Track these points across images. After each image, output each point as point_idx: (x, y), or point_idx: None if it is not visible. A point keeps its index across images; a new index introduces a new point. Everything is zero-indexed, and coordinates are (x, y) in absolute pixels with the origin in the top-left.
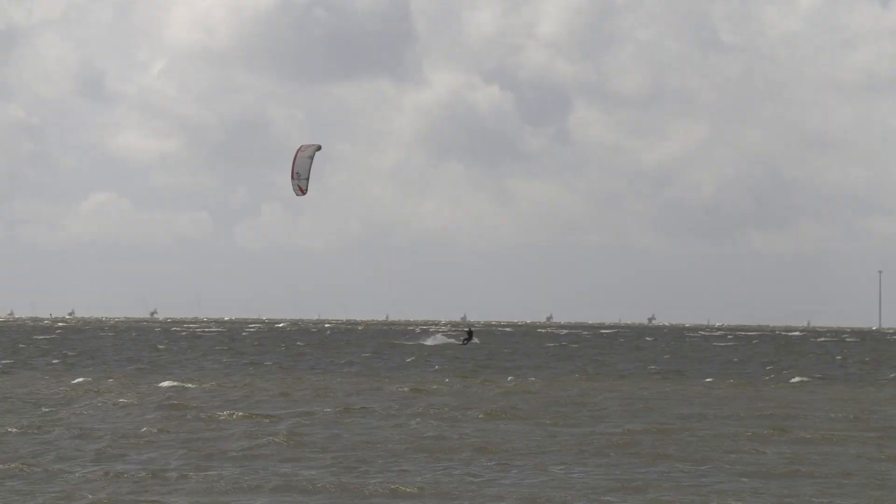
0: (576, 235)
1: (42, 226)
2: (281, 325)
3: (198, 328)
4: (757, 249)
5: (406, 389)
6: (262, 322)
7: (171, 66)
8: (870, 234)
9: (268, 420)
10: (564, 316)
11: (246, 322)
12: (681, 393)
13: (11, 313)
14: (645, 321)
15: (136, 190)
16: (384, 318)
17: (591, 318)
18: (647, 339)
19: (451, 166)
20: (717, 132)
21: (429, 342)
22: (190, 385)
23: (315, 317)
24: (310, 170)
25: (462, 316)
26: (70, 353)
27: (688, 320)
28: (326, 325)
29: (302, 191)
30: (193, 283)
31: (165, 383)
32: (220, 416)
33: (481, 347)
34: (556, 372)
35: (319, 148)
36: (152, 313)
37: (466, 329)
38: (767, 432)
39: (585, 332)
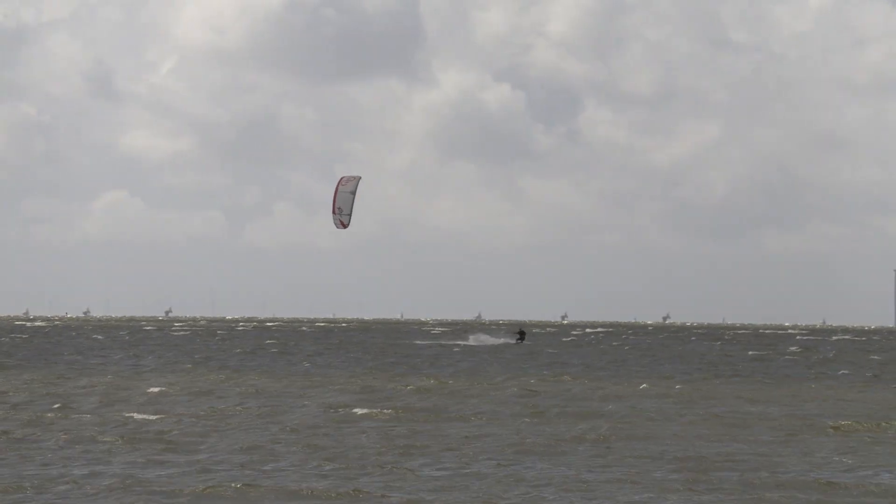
0: (589, 234)
1: (55, 224)
2: (271, 323)
3: (183, 327)
4: (770, 249)
5: (336, 388)
6: (257, 321)
7: (180, 66)
8: (883, 233)
9: (150, 420)
10: (579, 315)
11: (254, 321)
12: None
13: (27, 312)
14: (660, 320)
15: (148, 189)
16: (398, 317)
17: (607, 318)
18: (628, 337)
19: (461, 165)
20: (729, 131)
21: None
22: (99, 384)
23: (330, 315)
24: (352, 205)
25: (476, 315)
26: (24, 354)
27: (703, 319)
28: (317, 324)
29: (343, 225)
30: (207, 282)
31: (83, 381)
32: (94, 415)
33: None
34: (491, 370)
35: (360, 178)
36: (167, 312)
37: (518, 330)
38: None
39: (575, 332)
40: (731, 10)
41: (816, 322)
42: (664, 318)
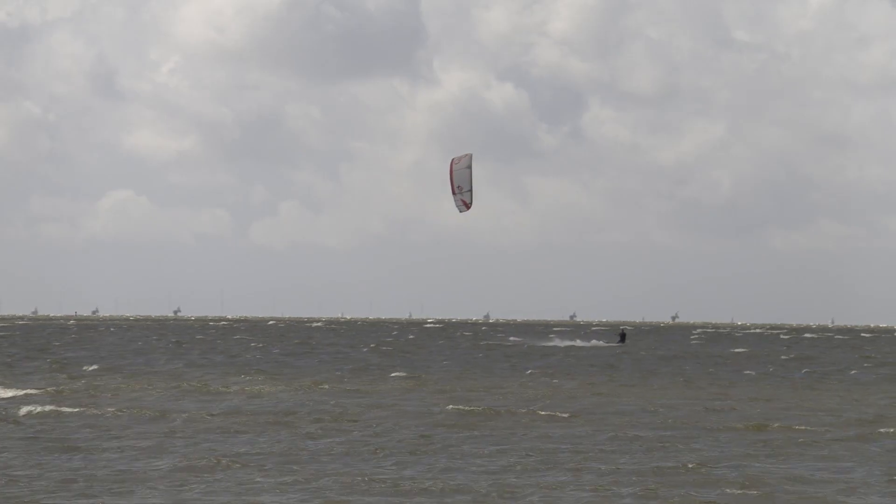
0: (596, 234)
1: (62, 224)
2: (241, 325)
3: (147, 326)
4: (778, 247)
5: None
6: (229, 320)
7: (182, 65)
8: (891, 232)
9: None
10: (588, 314)
11: (248, 320)
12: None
13: (35, 311)
14: (669, 320)
15: (154, 188)
16: (407, 316)
17: (615, 317)
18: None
19: None
20: (733, 130)
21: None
22: None
23: (338, 315)
24: (471, 181)
25: (485, 314)
26: None
27: (712, 319)
28: (276, 323)
29: (466, 205)
30: (215, 281)
31: None
32: None
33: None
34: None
35: (472, 155)
36: (176, 311)
37: (620, 331)
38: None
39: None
40: (733, 8)
41: (825, 321)
42: (673, 318)
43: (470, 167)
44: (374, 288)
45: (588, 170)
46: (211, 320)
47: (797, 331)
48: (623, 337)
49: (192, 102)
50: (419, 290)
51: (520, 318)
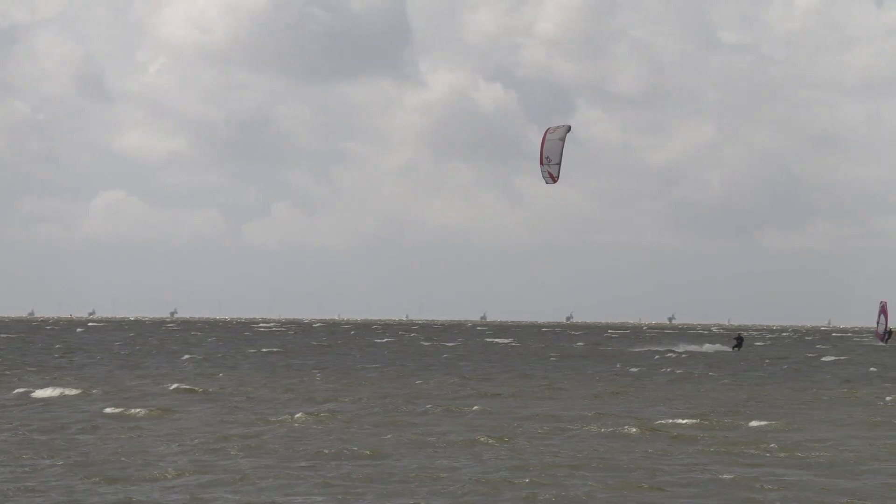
0: (590, 235)
1: (57, 224)
2: (197, 325)
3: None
4: (774, 248)
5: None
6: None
7: (169, 65)
8: (887, 232)
9: None
10: (585, 316)
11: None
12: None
13: (32, 312)
14: (665, 321)
15: (145, 189)
16: (404, 318)
17: (612, 318)
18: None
19: (457, 165)
20: (723, 131)
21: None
22: None
23: (335, 316)
24: (561, 154)
25: (482, 315)
26: None
27: (709, 320)
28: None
29: (553, 178)
30: (210, 282)
31: None
32: None
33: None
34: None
35: (569, 129)
36: (172, 313)
37: (736, 335)
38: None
39: (520, 328)
40: (721, 10)
41: (822, 322)
42: (669, 319)
43: (563, 140)
44: (372, 289)
45: (581, 170)
46: (200, 322)
47: (772, 331)
48: (740, 341)
49: (182, 103)
50: (417, 290)
51: (518, 319)
